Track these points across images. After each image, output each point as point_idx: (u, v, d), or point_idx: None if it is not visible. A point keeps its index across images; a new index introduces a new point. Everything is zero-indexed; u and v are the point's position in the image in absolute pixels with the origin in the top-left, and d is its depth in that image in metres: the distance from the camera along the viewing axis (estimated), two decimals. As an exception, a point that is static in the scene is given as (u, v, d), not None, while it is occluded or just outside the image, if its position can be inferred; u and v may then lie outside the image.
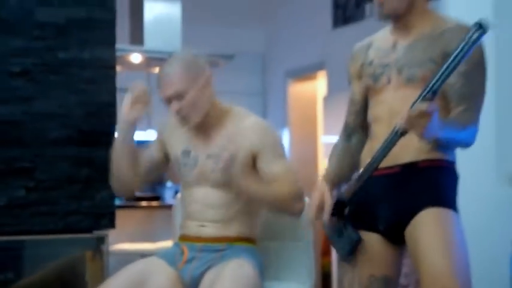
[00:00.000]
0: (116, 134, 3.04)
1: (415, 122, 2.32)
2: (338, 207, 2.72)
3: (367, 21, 6.73)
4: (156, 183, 6.97)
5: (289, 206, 2.95)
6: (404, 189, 2.62)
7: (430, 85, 2.34)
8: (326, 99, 7.34)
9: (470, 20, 2.62)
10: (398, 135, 2.42)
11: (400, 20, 2.66)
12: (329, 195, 2.73)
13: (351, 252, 2.70)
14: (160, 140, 3.19)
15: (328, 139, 7.17)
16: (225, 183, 2.94)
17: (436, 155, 2.62)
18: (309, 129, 8.19)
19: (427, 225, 2.54)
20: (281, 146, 3.08)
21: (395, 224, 2.64)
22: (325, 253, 7.12)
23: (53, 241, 3.45)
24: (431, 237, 2.52)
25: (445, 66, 2.36)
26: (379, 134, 2.63)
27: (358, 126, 2.85)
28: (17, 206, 3.32)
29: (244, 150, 2.99)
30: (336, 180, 2.81)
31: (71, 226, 3.42)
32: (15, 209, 3.32)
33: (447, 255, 2.48)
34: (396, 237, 2.64)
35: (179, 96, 2.96)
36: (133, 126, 3.03)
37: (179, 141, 3.13)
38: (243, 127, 3.06)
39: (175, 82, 2.96)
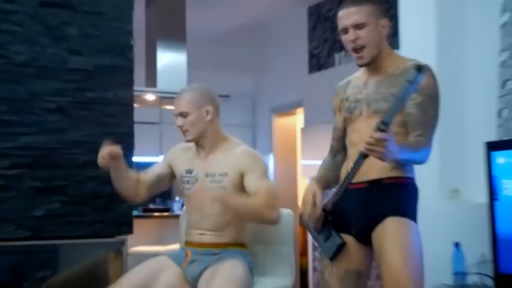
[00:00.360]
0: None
1: (374, 148, 2.29)
2: (323, 215, 2.67)
3: (337, 68, 6.74)
4: (161, 194, 6.93)
5: (265, 214, 2.91)
6: (371, 201, 2.60)
7: (383, 119, 2.33)
8: (303, 130, 7.33)
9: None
10: (362, 157, 2.41)
11: (371, 63, 2.64)
12: (320, 193, 2.67)
13: (336, 254, 2.66)
14: (168, 161, 3.20)
15: (305, 162, 7.15)
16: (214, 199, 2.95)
17: (397, 173, 2.60)
18: (289, 154, 8.17)
19: (388, 232, 2.52)
20: (265, 169, 3.05)
21: (364, 229, 2.61)
22: (303, 254, 7.08)
23: (82, 245, 3.41)
24: (392, 242, 2.50)
25: (394, 104, 2.35)
26: (353, 155, 2.59)
27: (341, 148, 2.82)
28: (53, 216, 3.29)
29: (234, 169, 2.99)
30: (324, 183, 2.75)
31: (96, 232, 3.39)
32: (52, 218, 3.28)
33: (403, 257, 2.47)
34: (366, 239, 2.61)
35: (183, 115, 3.02)
36: (116, 167, 3.01)
37: (184, 162, 3.13)
38: (235, 152, 3.05)
39: (183, 104, 3.04)
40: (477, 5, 3.64)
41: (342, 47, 7.01)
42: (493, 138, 3.24)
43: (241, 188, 3.00)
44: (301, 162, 7.50)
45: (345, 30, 2.61)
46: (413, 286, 2.45)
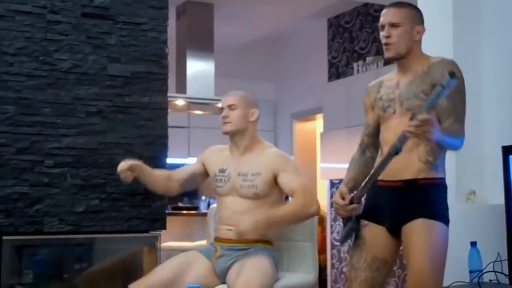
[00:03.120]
0: None
1: (421, 128, 2.30)
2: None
3: (355, 76, 6.71)
4: (188, 194, 6.96)
5: (304, 214, 2.94)
6: (405, 199, 2.62)
7: (429, 101, 2.32)
8: (322, 135, 7.31)
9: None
10: (403, 139, 2.41)
11: (401, 62, 2.69)
12: (347, 193, 2.72)
13: (346, 238, 2.75)
14: (202, 161, 3.23)
15: (324, 165, 7.12)
16: (249, 195, 2.95)
17: (432, 174, 2.62)
18: (309, 157, 8.17)
19: (418, 232, 2.55)
20: (296, 168, 3.08)
21: (396, 224, 2.64)
22: (321, 251, 7.05)
23: (119, 239, 3.42)
24: (419, 241, 2.53)
25: (426, 104, 2.34)
26: (385, 152, 2.63)
27: (370, 144, 2.85)
28: (93, 212, 3.29)
29: (267, 169, 3.00)
30: (352, 185, 2.78)
31: (132, 228, 3.38)
32: (91, 214, 3.28)
33: (428, 257, 2.51)
34: (397, 233, 2.64)
35: (231, 107, 3.09)
36: (133, 176, 3.08)
37: (218, 162, 3.15)
38: (268, 153, 3.08)
39: (234, 98, 3.13)
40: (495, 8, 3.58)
41: (359, 57, 7.03)
42: (511, 142, 3.20)
43: (271, 187, 3.01)
44: (320, 165, 7.48)
45: (382, 27, 2.69)
46: (433, 282, 2.50)
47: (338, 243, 6.79)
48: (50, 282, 3.41)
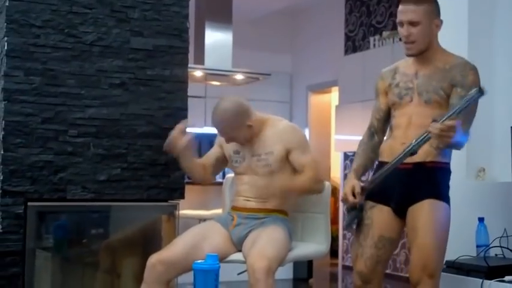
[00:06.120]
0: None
1: (446, 133, 2.43)
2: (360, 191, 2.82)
3: (372, 50, 6.73)
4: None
5: (314, 188, 3.03)
6: (413, 180, 2.72)
7: (457, 109, 2.44)
8: (337, 107, 7.36)
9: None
10: (425, 140, 2.53)
11: (421, 55, 2.73)
12: (358, 185, 2.81)
13: (349, 225, 2.86)
14: (219, 144, 3.29)
15: (338, 137, 7.19)
16: (265, 173, 3.03)
17: (439, 158, 2.74)
18: (324, 129, 8.21)
19: (425, 211, 2.67)
20: (306, 142, 3.14)
21: (403, 204, 2.74)
22: (334, 222, 7.14)
23: (139, 207, 3.48)
24: (427, 219, 2.66)
25: (455, 111, 2.44)
26: (397, 136, 2.76)
27: (380, 129, 2.92)
28: (114, 181, 3.35)
29: (279, 147, 3.06)
30: (361, 172, 2.88)
31: (152, 197, 3.44)
32: (113, 183, 3.34)
33: (434, 233, 2.64)
34: (402, 213, 2.75)
35: (230, 139, 3.15)
36: (184, 152, 3.12)
37: (232, 144, 3.20)
38: (278, 130, 3.12)
39: (226, 131, 3.12)
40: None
41: (376, 31, 7.03)
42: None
43: (285, 162, 3.08)
44: (334, 137, 7.54)
45: (401, 24, 2.72)
46: (437, 257, 2.64)
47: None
48: (70, 247, 3.50)
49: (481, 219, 3.22)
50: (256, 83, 6.57)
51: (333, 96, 8.13)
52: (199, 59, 6.48)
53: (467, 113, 2.60)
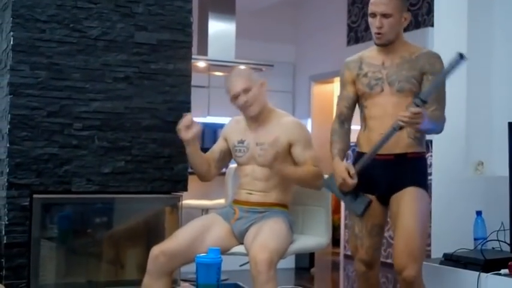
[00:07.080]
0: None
1: (413, 120, 2.58)
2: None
3: (373, 42, 6.73)
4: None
5: (311, 183, 3.07)
6: (395, 171, 2.87)
7: (422, 97, 2.53)
8: (340, 98, 7.35)
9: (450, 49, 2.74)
10: (396, 130, 2.59)
11: (388, 45, 2.86)
12: (351, 166, 2.89)
13: (365, 211, 2.91)
14: (224, 136, 3.30)
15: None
16: (267, 163, 3.05)
17: (418, 149, 2.89)
18: (326, 119, 8.19)
19: (408, 197, 2.81)
20: (310, 139, 3.18)
21: (387, 193, 2.89)
22: (335, 211, 7.18)
23: (143, 199, 3.52)
24: (409, 205, 2.79)
25: (433, 84, 2.56)
26: (374, 127, 2.88)
27: (349, 116, 3.05)
28: (119, 173, 3.39)
29: (283, 139, 3.09)
30: (343, 156, 2.99)
31: (156, 189, 3.48)
32: (117, 175, 3.38)
33: (416, 217, 2.76)
34: (385, 201, 2.90)
35: (246, 91, 3.10)
36: (192, 142, 3.13)
37: (236, 133, 3.23)
38: (283, 123, 3.15)
39: (244, 82, 3.11)
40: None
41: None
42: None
43: (286, 155, 3.11)
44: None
45: (373, 15, 2.84)
46: (421, 241, 2.74)
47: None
48: (74, 238, 3.55)
49: (478, 213, 3.26)
50: (259, 73, 6.58)
51: (336, 87, 8.12)
52: (203, 50, 6.49)
53: (440, 98, 2.79)
